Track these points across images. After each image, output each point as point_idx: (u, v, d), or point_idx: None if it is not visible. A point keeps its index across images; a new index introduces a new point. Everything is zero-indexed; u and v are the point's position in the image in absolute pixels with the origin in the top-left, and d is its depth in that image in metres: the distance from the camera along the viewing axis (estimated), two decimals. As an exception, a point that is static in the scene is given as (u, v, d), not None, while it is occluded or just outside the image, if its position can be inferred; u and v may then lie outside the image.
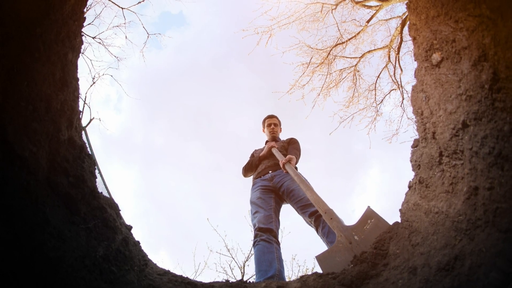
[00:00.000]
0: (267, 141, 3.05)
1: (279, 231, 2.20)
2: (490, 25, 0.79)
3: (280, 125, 3.12)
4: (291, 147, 2.72)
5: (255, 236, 2.06)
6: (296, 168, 2.53)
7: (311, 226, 2.01)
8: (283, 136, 3.17)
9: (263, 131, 3.15)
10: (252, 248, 2.07)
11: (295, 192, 2.17)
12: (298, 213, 2.14)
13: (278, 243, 2.03)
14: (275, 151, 2.66)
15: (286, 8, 6.95)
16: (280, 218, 2.31)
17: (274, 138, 2.98)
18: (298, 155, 2.58)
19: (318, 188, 2.21)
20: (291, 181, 2.28)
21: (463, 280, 0.74)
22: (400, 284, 0.93)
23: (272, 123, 3.05)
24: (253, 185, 2.53)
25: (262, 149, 2.87)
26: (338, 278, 1.23)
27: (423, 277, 0.86)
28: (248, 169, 2.80)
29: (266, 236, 2.00)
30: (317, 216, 1.92)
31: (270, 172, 2.50)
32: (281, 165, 2.30)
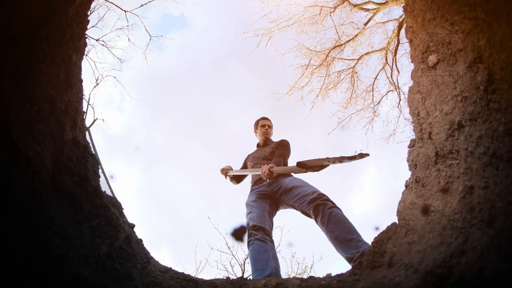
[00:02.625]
0: (258, 144, 3.00)
1: (274, 231, 2.17)
2: (485, 27, 0.79)
3: (272, 128, 3.05)
4: (277, 153, 2.63)
5: (249, 235, 2.03)
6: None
7: (311, 216, 1.97)
8: (276, 137, 3.12)
9: (255, 132, 3.06)
10: (247, 248, 2.05)
11: (294, 189, 2.15)
12: (297, 207, 2.10)
13: (272, 242, 2.01)
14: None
15: (285, 11, 6.95)
16: (280, 216, 2.32)
17: (266, 139, 2.91)
18: (281, 162, 2.51)
19: (317, 187, 2.19)
20: (289, 181, 2.26)
21: (458, 277, 0.74)
22: (397, 280, 0.93)
23: (266, 124, 2.97)
24: (250, 191, 2.51)
25: (254, 154, 2.82)
26: (338, 277, 1.23)
27: (420, 274, 0.86)
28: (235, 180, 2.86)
29: (260, 235, 1.98)
30: (316, 205, 1.89)
31: (268, 184, 2.44)
32: (264, 177, 2.26)
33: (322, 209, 1.85)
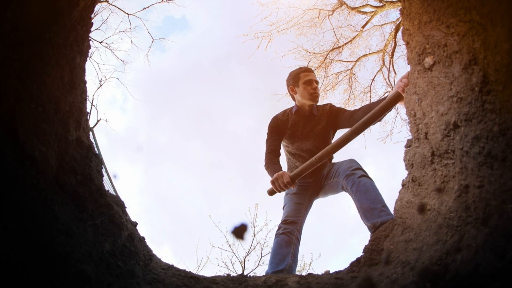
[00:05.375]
0: (297, 110, 2.01)
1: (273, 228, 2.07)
2: (480, 30, 0.79)
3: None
4: (346, 111, 1.90)
5: (279, 228, 1.93)
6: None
7: (344, 188, 1.85)
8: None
9: (292, 91, 2.03)
10: (273, 238, 1.91)
11: (333, 168, 1.94)
12: (335, 183, 1.89)
13: (298, 239, 1.89)
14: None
15: (284, 14, 6.97)
16: (280, 215, 2.26)
17: (315, 103, 1.98)
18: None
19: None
20: (329, 166, 2.02)
21: (454, 274, 0.74)
22: (394, 277, 0.93)
23: (314, 80, 1.95)
24: None
25: (300, 131, 2.01)
26: (336, 274, 1.23)
27: (416, 271, 0.86)
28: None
29: (289, 230, 1.87)
30: (347, 175, 1.78)
31: (310, 176, 2.03)
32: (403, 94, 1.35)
33: (352, 179, 1.75)
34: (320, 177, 2.06)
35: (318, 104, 2.06)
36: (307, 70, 2.03)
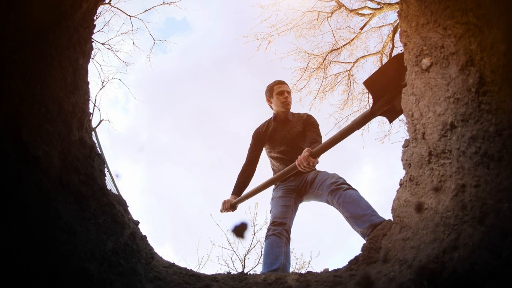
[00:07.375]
0: (274, 117, 2.27)
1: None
2: (477, 32, 0.79)
3: (291, 95, 2.27)
4: (313, 136, 2.06)
5: (268, 230, 1.99)
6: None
7: (329, 202, 1.88)
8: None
9: (269, 101, 2.30)
10: (264, 241, 1.98)
11: (317, 178, 2.01)
12: (319, 194, 1.95)
13: (288, 239, 1.94)
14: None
15: (284, 16, 6.99)
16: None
17: (288, 110, 2.22)
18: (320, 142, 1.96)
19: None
20: (313, 174, 2.10)
21: (451, 272, 0.74)
22: (392, 275, 0.93)
23: (285, 91, 2.20)
24: (276, 187, 2.26)
25: (277, 135, 2.24)
26: (335, 272, 1.23)
27: (414, 269, 0.86)
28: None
29: (278, 231, 1.92)
30: (332, 189, 1.82)
31: (293, 179, 2.17)
32: (307, 169, 1.74)
33: (338, 193, 1.78)
34: (303, 181, 2.12)
35: (294, 112, 2.30)
36: (280, 83, 2.27)
